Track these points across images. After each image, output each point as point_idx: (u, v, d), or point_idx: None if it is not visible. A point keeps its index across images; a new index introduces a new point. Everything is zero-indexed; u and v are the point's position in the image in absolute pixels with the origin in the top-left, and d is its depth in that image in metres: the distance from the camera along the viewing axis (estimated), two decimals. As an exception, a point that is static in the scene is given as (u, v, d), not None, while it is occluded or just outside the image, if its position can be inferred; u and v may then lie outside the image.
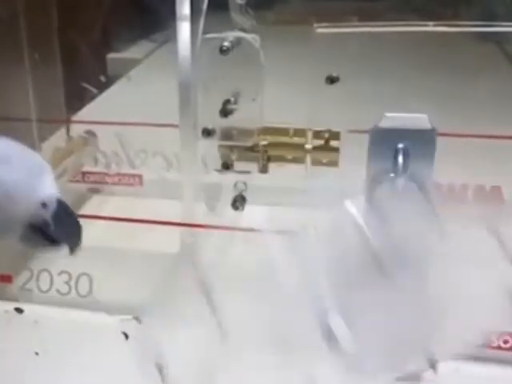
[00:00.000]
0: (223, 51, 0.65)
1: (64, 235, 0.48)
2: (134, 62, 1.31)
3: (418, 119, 0.65)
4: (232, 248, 0.88)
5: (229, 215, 0.85)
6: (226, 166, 0.78)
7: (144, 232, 0.83)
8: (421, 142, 0.65)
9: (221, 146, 0.82)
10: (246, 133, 0.80)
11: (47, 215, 0.47)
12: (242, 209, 0.82)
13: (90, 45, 1.12)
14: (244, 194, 0.84)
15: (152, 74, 1.20)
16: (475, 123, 0.79)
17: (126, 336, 0.71)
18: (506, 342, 0.67)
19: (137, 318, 0.73)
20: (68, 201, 0.49)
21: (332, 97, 0.70)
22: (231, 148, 0.82)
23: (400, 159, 0.65)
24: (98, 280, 0.77)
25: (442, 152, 0.65)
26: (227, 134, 0.81)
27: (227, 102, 0.76)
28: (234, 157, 0.82)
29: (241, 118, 0.78)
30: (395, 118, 0.65)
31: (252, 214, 0.83)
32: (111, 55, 1.32)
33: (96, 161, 0.96)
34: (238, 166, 0.83)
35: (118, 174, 0.97)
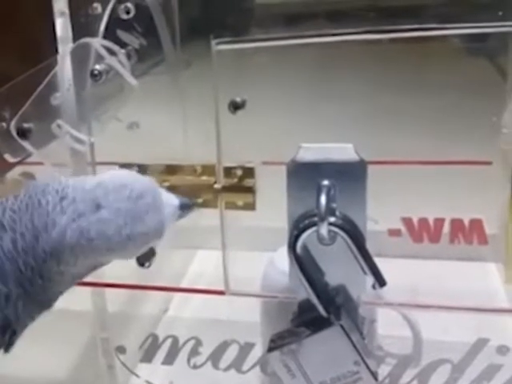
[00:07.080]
0: (94, 76, 0.51)
1: None
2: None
3: (342, 150, 0.53)
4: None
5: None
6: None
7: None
8: (348, 176, 0.53)
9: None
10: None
11: None
12: (149, 265, 0.68)
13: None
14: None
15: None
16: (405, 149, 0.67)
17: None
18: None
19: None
20: None
21: (241, 125, 0.58)
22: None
23: (323, 199, 0.52)
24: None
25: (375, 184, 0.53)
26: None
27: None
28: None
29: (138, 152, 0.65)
30: (314, 150, 0.53)
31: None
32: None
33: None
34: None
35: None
